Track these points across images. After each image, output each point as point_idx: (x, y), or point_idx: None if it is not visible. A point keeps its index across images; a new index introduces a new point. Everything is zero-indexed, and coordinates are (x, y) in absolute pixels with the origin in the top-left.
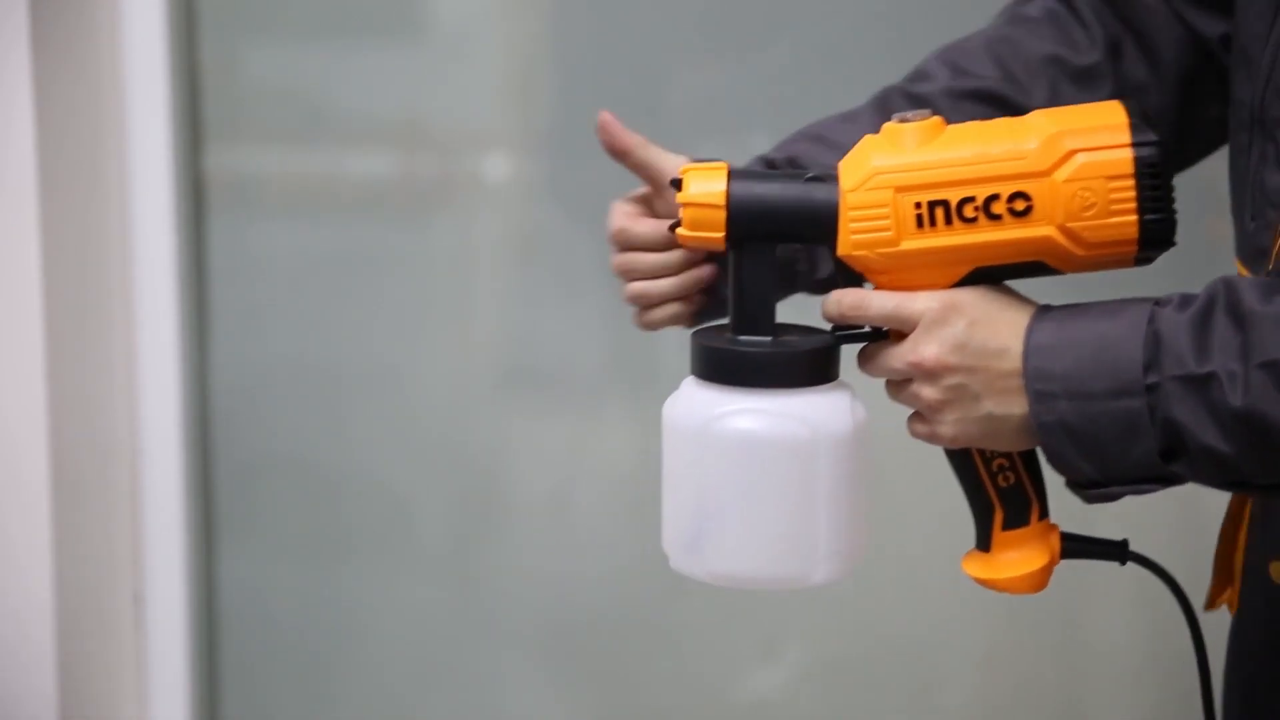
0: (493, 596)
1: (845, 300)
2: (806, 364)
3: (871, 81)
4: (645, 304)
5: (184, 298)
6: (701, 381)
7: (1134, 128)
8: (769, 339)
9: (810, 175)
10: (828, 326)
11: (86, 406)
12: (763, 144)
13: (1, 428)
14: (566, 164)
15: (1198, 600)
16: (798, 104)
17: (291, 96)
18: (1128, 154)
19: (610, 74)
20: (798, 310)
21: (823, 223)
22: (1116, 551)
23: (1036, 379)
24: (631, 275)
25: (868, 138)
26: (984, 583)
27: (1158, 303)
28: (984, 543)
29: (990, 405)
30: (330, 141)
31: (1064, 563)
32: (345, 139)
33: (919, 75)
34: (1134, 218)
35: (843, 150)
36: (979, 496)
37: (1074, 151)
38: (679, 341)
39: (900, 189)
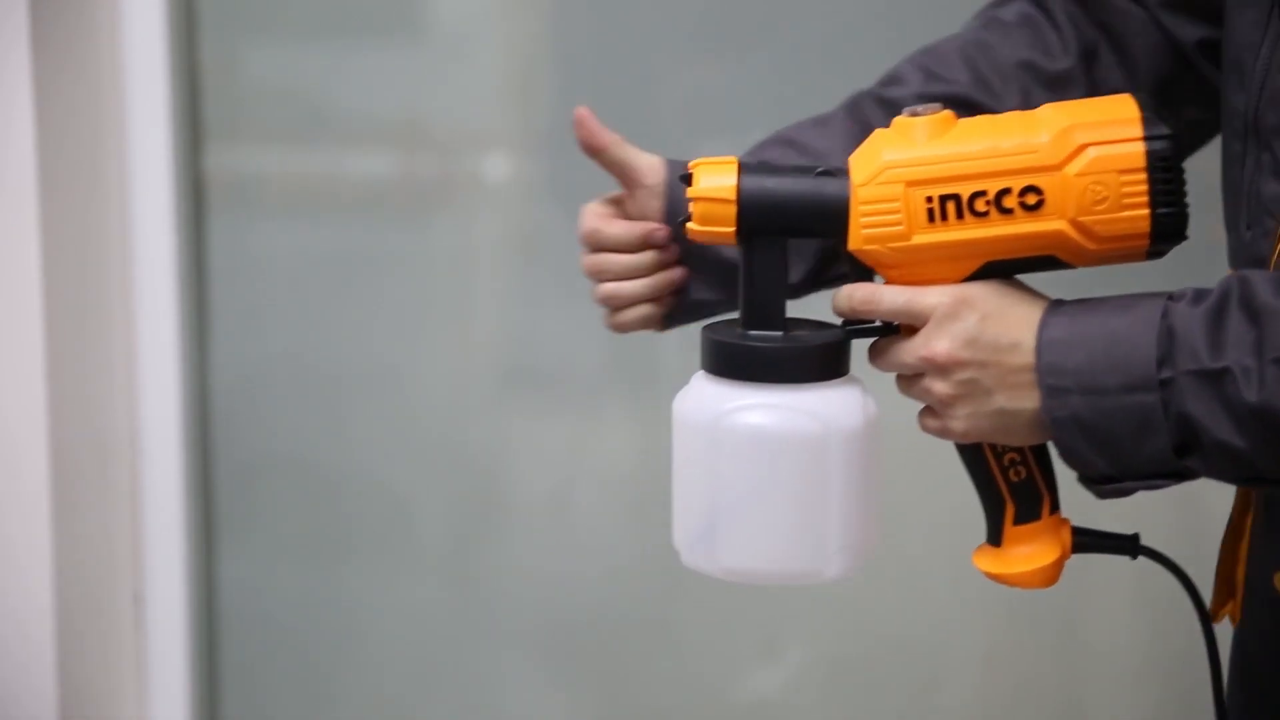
0: (493, 596)
1: (856, 295)
2: (818, 359)
3: (870, 81)
4: (616, 305)
5: (184, 298)
6: (712, 376)
7: (1146, 121)
8: (780, 334)
9: (821, 170)
10: (838, 321)
11: (86, 406)
12: None
13: (1, 428)
14: (566, 164)
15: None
16: (797, 104)
17: (291, 96)
18: (1139, 148)
19: (610, 74)
20: (805, 305)
21: (833, 217)
22: (1128, 546)
23: (1049, 374)
24: (603, 276)
25: (878, 131)
26: (995, 577)
27: (1171, 297)
28: (995, 537)
29: (1002, 400)
30: (330, 141)
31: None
32: (345, 139)
33: (892, 79)
34: (1146, 211)
35: (814, 155)
36: (990, 491)
37: (1086, 145)
38: (679, 341)
39: (911, 183)
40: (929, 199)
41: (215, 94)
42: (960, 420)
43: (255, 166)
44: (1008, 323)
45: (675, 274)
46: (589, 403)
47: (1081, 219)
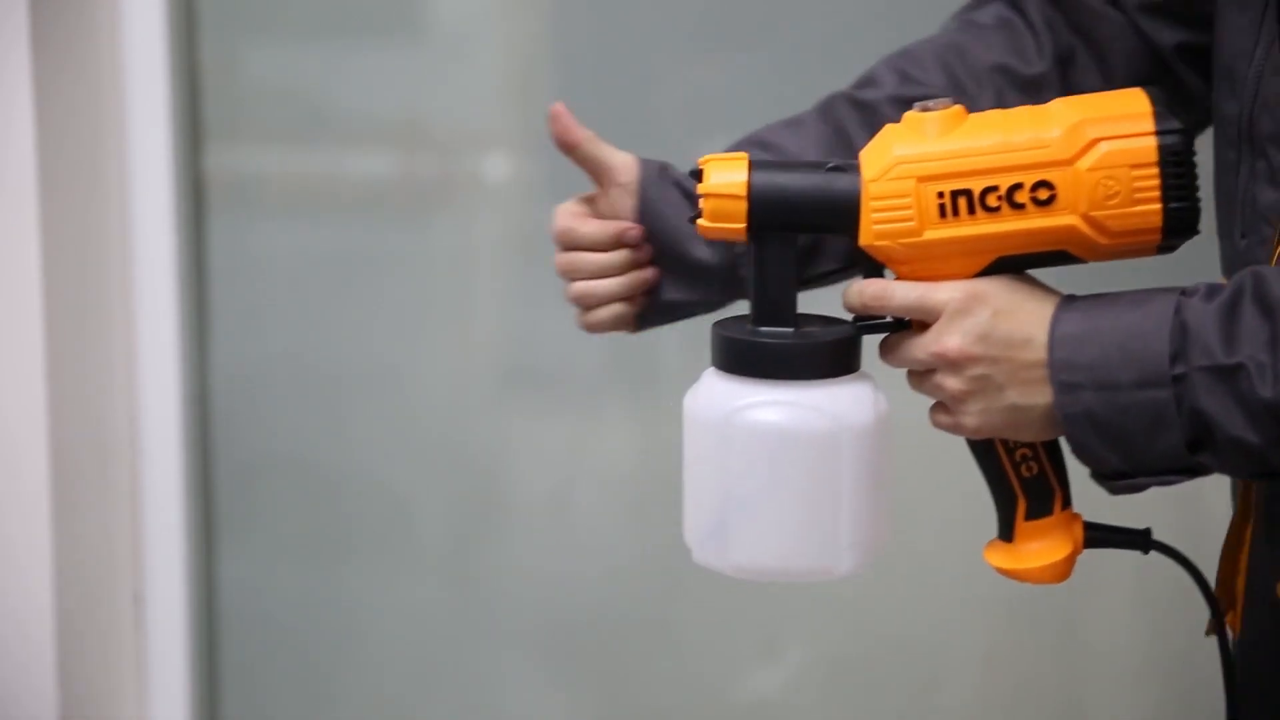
0: (493, 596)
1: (868, 291)
2: (829, 355)
3: None
4: (588, 304)
5: (184, 297)
6: (722, 373)
7: (1157, 116)
8: (790, 330)
9: (832, 165)
10: (848, 317)
11: (86, 406)
12: None
13: (1, 428)
14: (566, 164)
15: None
16: (797, 104)
17: (291, 96)
18: (1152, 142)
19: (610, 74)
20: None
21: (844, 213)
22: (1140, 541)
23: (1062, 370)
24: (575, 275)
25: (889, 127)
26: (1007, 573)
27: (1184, 292)
28: (1006, 533)
29: (1014, 396)
30: (330, 141)
31: None
32: (345, 139)
33: (866, 81)
34: (1158, 206)
35: (786, 156)
36: (1002, 487)
37: (1097, 140)
38: (679, 341)
39: (923, 178)
40: (940, 194)
41: (215, 94)
42: (972, 416)
43: (255, 166)
44: (1020, 318)
45: (648, 274)
46: (589, 403)
47: (1093, 214)
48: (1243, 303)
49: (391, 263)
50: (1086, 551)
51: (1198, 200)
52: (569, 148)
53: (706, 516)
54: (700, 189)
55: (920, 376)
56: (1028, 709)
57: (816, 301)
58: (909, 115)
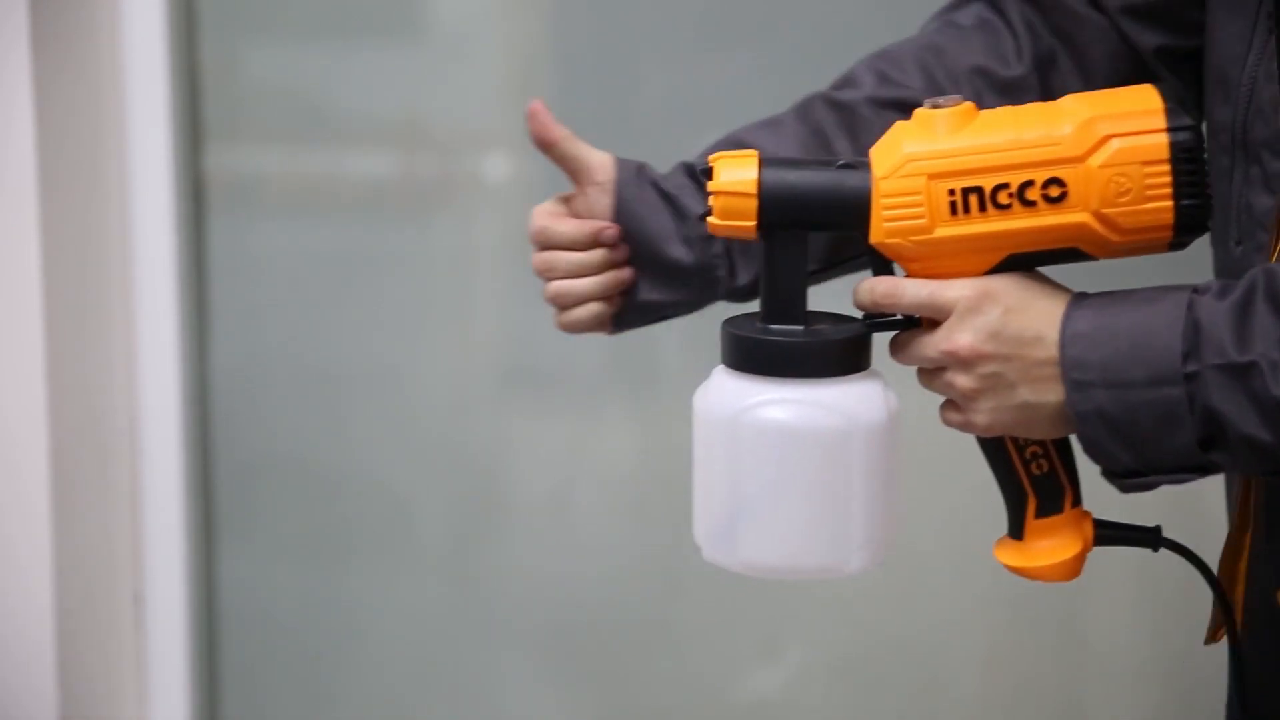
0: (493, 596)
1: (878, 289)
2: (839, 353)
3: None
4: (565, 304)
5: (184, 297)
6: (732, 371)
7: (1169, 112)
8: (800, 328)
9: (842, 162)
10: (858, 314)
11: (87, 407)
12: None
13: (2, 428)
14: None
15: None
16: None
17: (291, 96)
18: (1163, 139)
19: (610, 74)
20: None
21: (855, 210)
22: (1150, 538)
23: (1074, 368)
24: (551, 274)
25: (899, 124)
26: (1017, 571)
27: (1196, 290)
28: (1016, 531)
29: (1025, 393)
30: (330, 141)
31: None
32: (345, 139)
33: (845, 81)
34: (1169, 203)
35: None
36: (1012, 485)
37: (1109, 137)
38: (679, 342)
39: (933, 176)
40: (951, 191)
41: (215, 94)
42: (983, 414)
43: (255, 166)
44: (1031, 316)
45: (625, 273)
46: (589, 403)
47: (1105, 211)
48: (1255, 301)
49: (391, 263)
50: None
51: (1209, 197)
52: (546, 146)
53: (716, 515)
54: (710, 187)
55: (931, 374)
56: (1028, 709)
57: (826, 299)
58: (919, 112)
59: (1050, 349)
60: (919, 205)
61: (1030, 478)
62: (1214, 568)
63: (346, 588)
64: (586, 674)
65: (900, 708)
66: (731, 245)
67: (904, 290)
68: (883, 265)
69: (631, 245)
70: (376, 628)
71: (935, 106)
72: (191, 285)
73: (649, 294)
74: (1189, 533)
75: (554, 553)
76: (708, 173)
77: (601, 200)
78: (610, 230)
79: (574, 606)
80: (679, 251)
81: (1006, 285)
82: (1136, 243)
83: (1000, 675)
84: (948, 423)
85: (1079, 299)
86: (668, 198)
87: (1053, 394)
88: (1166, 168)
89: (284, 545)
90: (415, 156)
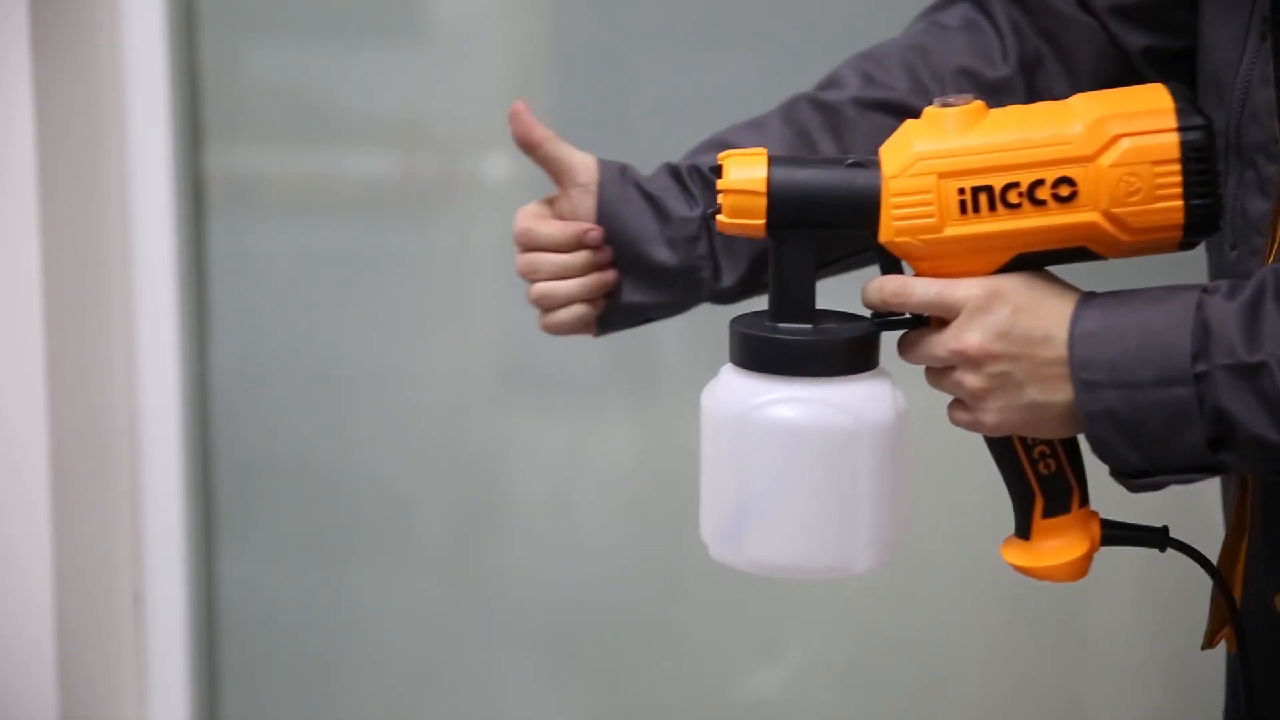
0: (493, 596)
1: (887, 287)
2: (847, 352)
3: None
4: (549, 305)
5: (184, 297)
6: (740, 369)
7: (1180, 112)
8: (809, 326)
9: (852, 161)
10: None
11: (86, 407)
12: None
13: (2, 428)
14: None
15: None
16: None
17: (291, 96)
18: (1174, 139)
19: (610, 74)
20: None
21: (864, 209)
22: (1157, 539)
23: (1082, 368)
24: (535, 276)
25: (909, 123)
26: (1024, 571)
27: (1205, 290)
28: (1024, 531)
29: (1034, 393)
30: (330, 141)
31: None
32: (345, 139)
33: (831, 82)
34: (1180, 203)
35: None
36: (1019, 484)
37: (1119, 136)
38: (679, 342)
39: (943, 175)
40: (961, 190)
41: (215, 94)
42: (991, 413)
43: (255, 166)
44: (1040, 315)
45: (608, 275)
46: (589, 403)
47: (1115, 210)
48: (1265, 301)
49: (391, 263)
50: None
51: (1220, 197)
52: (529, 147)
53: (723, 513)
54: (720, 185)
55: (939, 374)
56: (1028, 709)
57: (835, 298)
58: (929, 111)
59: (1059, 348)
60: (929, 204)
61: (1038, 477)
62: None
63: (346, 588)
64: (586, 674)
65: (900, 708)
66: (715, 247)
67: (913, 289)
68: (891, 264)
69: (615, 247)
70: (376, 628)
71: (945, 105)
72: (191, 285)
73: (633, 296)
74: (1188, 534)
75: (554, 553)
76: (717, 171)
77: (585, 202)
78: (594, 232)
79: (574, 606)
80: (663, 253)
81: (1015, 284)
82: (1146, 242)
83: (1000, 675)
84: (956, 422)
85: (1087, 298)
86: (651, 199)
87: (1061, 394)
88: (1177, 167)
89: (284, 545)
90: (415, 156)
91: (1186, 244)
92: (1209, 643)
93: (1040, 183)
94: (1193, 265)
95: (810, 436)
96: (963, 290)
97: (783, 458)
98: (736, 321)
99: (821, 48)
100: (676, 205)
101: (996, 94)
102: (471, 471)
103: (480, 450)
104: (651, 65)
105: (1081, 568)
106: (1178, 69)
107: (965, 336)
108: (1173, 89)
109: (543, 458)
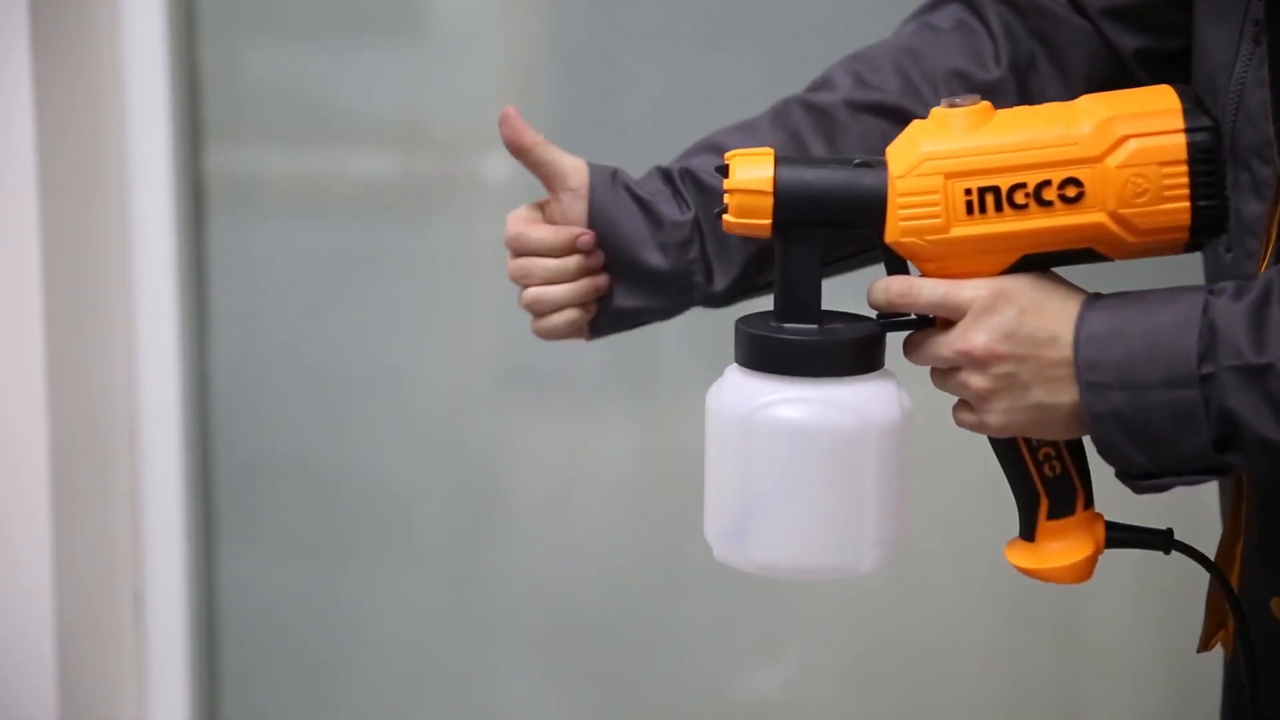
0: (493, 596)
1: (893, 288)
2: (853, 352)
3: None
4: (541, 310)
5: (184, 297)
6: (745, 370)
7: (1187, 113)
8: (815, 327)
9: (859, 161)
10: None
11: (87, 407)
12: None
13: (2, 428)
14: None
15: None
16: None
17: (291, 96)
18: (1181, 139)
19: (610, 74)
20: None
21: (871, 209)
22: (1162, 541)
23: (1088, 369)
24: (527, 281)
25: (916, 123)
26: (1028, 572)
27: (1211, 292)
28: (1028, 532)
29: (1040, 394)
30: (330, 141)
31: None
32: (345, 139)
33: (822, 84)
34: (1187, 204)
35: None
36: (1024, 486)
37: (1126, 137)
38: (679, 342)
39: (950, 175)
40: (968, 191)
41: (215, 94)
42: (997, 414)
43: (255, 166)
44: (1046, 316)
45: (600, 280)
46: (589, 403)
47: (1122, 211)
48: (1271, 302)
49: (391, 263)
50: None
51: (1226, 199)
52: (519, 152)
53: (728, 514)
54: (726, 184)
55: (944, 374)
56: (1027, 709)
57: (841, 298)
58: (936, 111)
59: (1065, 350)
60: (935, 204)
61: (1043, 479)
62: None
63: (346, 588)
64: (586, 674)
65: (900, 707)
66: (708, 250)
67: (919, 290)
68: (897, 264)
69: (606, 251)
70: (376, 628)
71: (952, 106)
72: (191, 285)
73: (625, 300)
74: (1188, 534)
75: (554, 553)
76: (724, 170)
77: (576, 206)
78: (586, 236)
79: (574, 606)
80: (654, 257)
81: (1021, 285)
82: (1152, 244)
83: (999, 674)
84: (961, 423)
85: (1093, 300)
86: (642, 203)
87: (1067, 395)
88: (1184, 168)
89: (284, 545)
90: (415, 156)
91: (1193, 245)
92: (1204, 646)
93: (1047, 183)
94: (1188, 267)
95: (815, 437)
96: (969, 291)
97: (788, 458)
98: (742, 321)
99: (821, 48)
100: (668, 209)
101: (988, 96)
102: (471, 471)
103: (480, 450)
104: (651, 65)
105: (1086, 570)
106: (1170, 71)
107: (971, 337)
108: (1180, 90)
109: (543, 458)
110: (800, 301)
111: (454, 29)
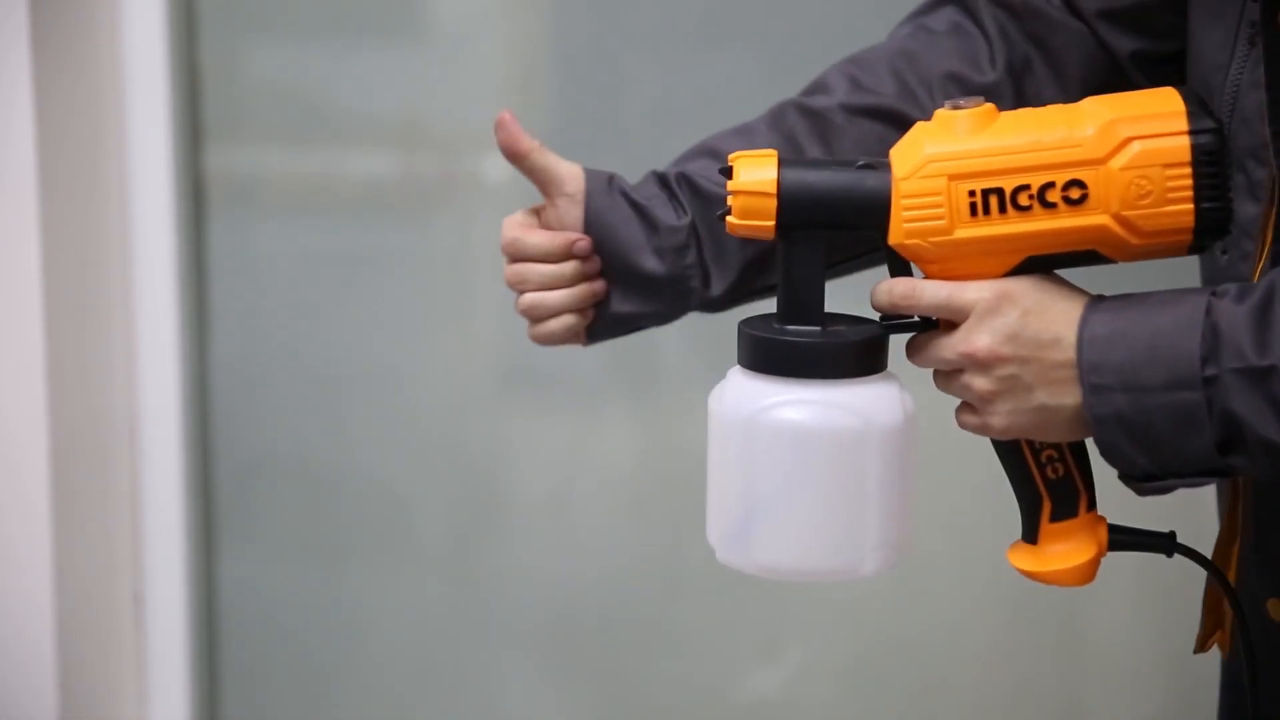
0: (493, 596)
1: (896, 290)
2: (856, 354)
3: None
4: (538, 316)
5: (184, 297)
6: (748, 371)
7: (1191, 115)
8: (818, 328)
9: (862, 163)
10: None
11: (87, 407)
12: None
13: (2, 428)
14: None
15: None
16: None
17: (291, 96)
18: (1185, 141)
19: (610, 74)
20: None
21: (874, 211)
22: (1164, 544)
23: (1092, 372)
24: (524, 287)
25: (919, 125)
26: (1031, 575)
27: (1214, 294)
28: (1031, 535)
29: (1043, 396)
30: (330, 141)
31: None
32: (345, 139)
33: (818, 87)
34: (1190, 206)
35: None
36: (1027, 488)
37: (1130, 139)
38: (679, 342)
39: (954, 177)
40: (972, 193)
41: (215, 94)
42: (1000, 417)
43: (255, 166)
44: (1049, 318)
45: (597, 285)
46: (589, 403)
47: (1125, 213)
48: (1274, 305)
49: (391, 263)
50: None
51: (1230, 201)
52: (516, 157)
53: (731, 516)
54: (730, 186)
55: (948, 376)
56: (1028, 709)
57: (844, 300)
58: (940, 113)
59: (1068, 351)
60: (939, 206)
61: (1045, 481)
62: (1199, 575)
63: (346, 588)
64: (586, 674)
65: (900, 708)
66: (705, 255)
67: (922, 291)
68: (900, 266)
69: (603, 257)
70: (376, 628)
71: (956, 108)
72: (191, 285)
73: (621, 305)
74: (1188, 536)
75: (554, 553)
76: (727, 172)
77: (572, 212)
78: (582, 242)
79: (574, 606)
80: (651, 263)
81: (1025, 287)
82: (1156, 246)
83: (1000, 675)
84: (964, 425)
85: (1097, 301)
86: (638, 208)
87: (1070, 397)
88: (1188, 170)
89: (284, 545)
90: (415, 156)
91: (1196, 247)
92: (1201, 646)
93: (1051, 185)
94: (1185, 269)
95: (818, 439)
96: (972, 293)
97: (790, 460)
98: (745, 323)
99: (821, 49)
100: (664, 214)
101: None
102: (471, 471)
103: (480, 450)
104: (651, 66)
105: (1089, 572)
106: (1166, 73)
107: (974, 339)
108: (1183, 92)
109: (543, 458)
110: (803, 303)
111: (454, 29)
